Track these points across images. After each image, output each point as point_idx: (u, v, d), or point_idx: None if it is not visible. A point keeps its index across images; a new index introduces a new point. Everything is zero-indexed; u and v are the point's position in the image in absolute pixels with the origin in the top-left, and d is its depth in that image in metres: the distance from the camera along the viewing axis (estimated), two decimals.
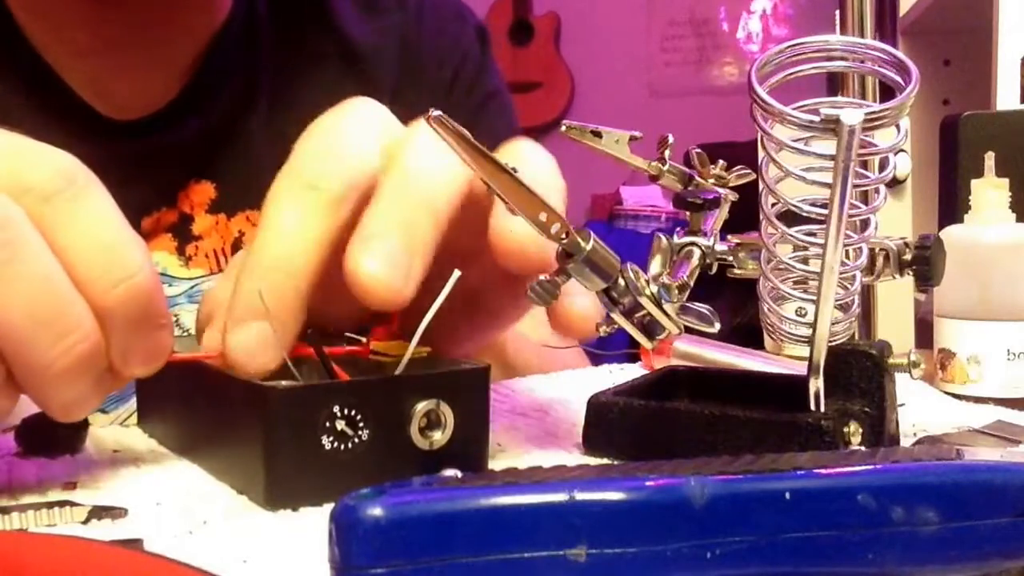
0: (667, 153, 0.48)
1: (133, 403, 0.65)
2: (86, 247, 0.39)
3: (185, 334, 0.66)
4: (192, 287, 0.69)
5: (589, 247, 0.40)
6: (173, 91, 0.75)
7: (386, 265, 0.41)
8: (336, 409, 0.41)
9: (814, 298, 0.45)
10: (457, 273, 0.44)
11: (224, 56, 0.77)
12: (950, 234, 0.68)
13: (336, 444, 0.41)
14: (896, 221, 0.78)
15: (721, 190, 0.50)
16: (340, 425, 0.41)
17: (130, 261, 0.40)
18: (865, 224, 0.47)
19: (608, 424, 0.50)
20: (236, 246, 0.73)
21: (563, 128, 0.46)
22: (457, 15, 0.92)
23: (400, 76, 0.84)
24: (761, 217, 0.47)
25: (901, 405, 0.52)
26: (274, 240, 0.43)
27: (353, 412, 0.41)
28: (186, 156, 0.74)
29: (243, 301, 0.43)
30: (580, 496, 0.29)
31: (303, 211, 0.43)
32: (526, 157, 0.46)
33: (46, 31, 0.72)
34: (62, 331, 0.39)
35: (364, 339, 0.47)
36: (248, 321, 0.42)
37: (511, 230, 0.42)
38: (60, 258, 0.39)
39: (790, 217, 0.46)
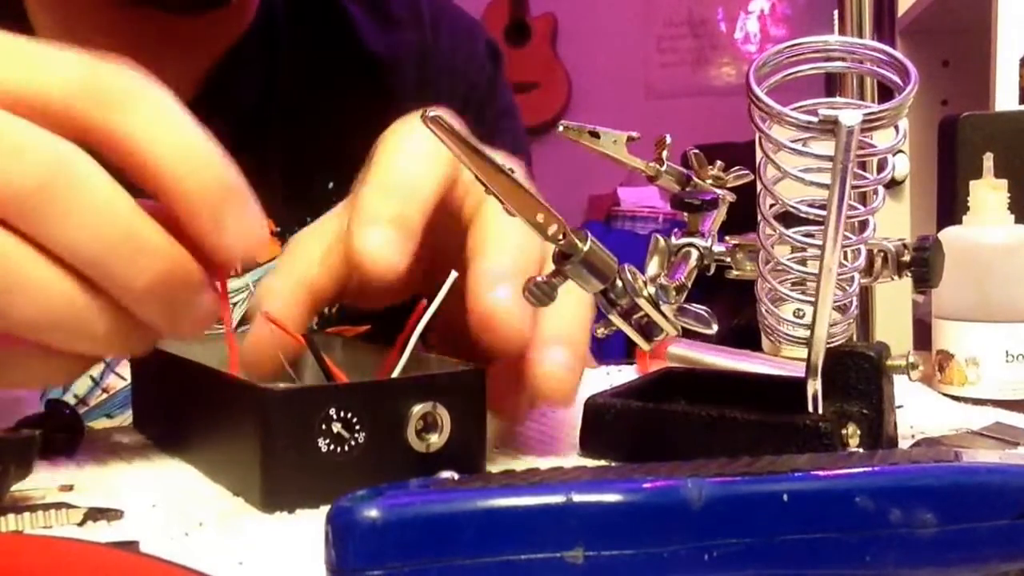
0: (665, 154, 0.48)
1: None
2: (159, 143, 0.41)
3: None
4: None
5: (586, 248, 0.40)
6: (188, 96, 0.75)
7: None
8: (332, 411, 0.41)
9: (812, 299, 0.44)
10: (454, 274, 0.44)
11: (241, 65, 0.77)
12: (948, 235, 0.68)
13: (332, 446, 0.41)
14: (894, 222, 0.78)
15: (719, 191, 0.50)
16: (336, 427, 0.41)
17: (201, 150, 0.42)
18: (863, 225, 0.47)
19: (605, 426, 0.50)
20: None
21: (560, 128, 0.45)
22: (470, 32, 0.93)
23: (416, 89, 0.85)
24: (759, 218, 0.46)
25: (899, 407, 0.52)
26: (401, 167, 0.48)
27: (349, 415, 0.41)
28: None
29: (367, 209, 0.46)
30: (577, 498, 0.29)
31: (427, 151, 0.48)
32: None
33: (62, 37, 0.72)
34: (133, 253, 0.40)
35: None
36: (373, 225, 0.45)
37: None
38: (133, 158, 0.41)
39: (788, 218, 0.45)
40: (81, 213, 0.39)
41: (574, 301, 0.47)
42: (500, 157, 0.51)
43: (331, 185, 0.79)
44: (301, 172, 0.78)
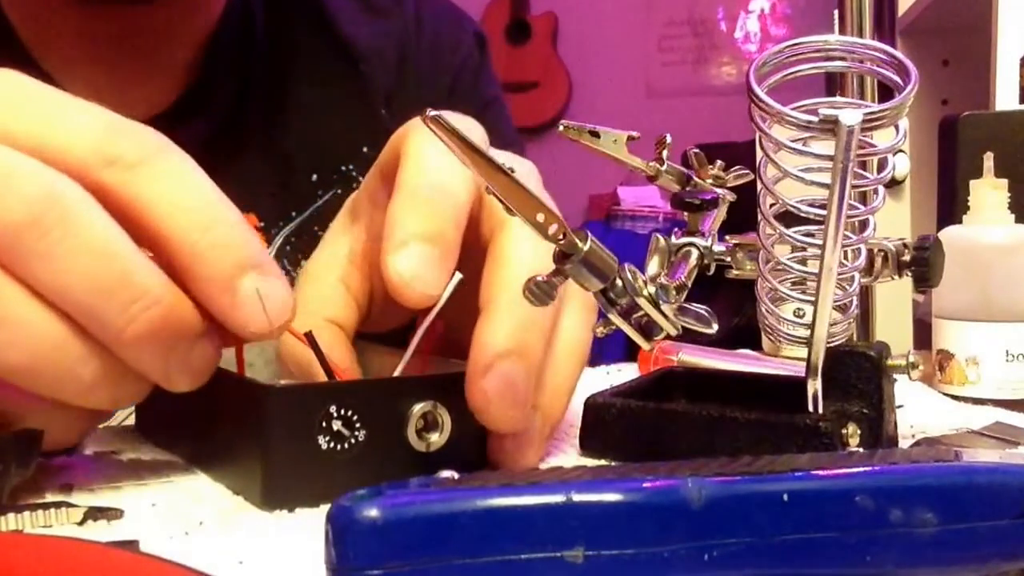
0: (665, 153, 0.48)
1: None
2: (172, 203, 0.39)
3: None
4: None
5: (586, 248, 0.40)
6: (171, 96, 0.75)
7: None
8: (332, 409, 0.41)
9: (812, 299, 0.44)
10: (458, 276, 0.44)
11: (219, 59, 0.77)
12: (949, 235, 0.68)
13: (332, 444, 0.41)
14: (895, 222, 0.78)
15: (719, 190, 0.50)
16: (336, 425, 0.41)
17: (217, 211, 0.40)
18: (864, 225, 0.47)
19: (605, 425, 0.50)
20: None
21: (561, 128, 0.45)
22: (455, 21, 0.91)
23: (397, 80, 0.84)
24: (759, 218, 0.46)
25: (899, 406, 0.52)
26: (431, 173, 0.45)
27: (349, 413, 0.41)
28: None
29: (399, 227, 0.44)
30: (577, 497, 0.29)
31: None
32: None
33: (40, 41, 0.72)
34: (126, 299, 0.38)
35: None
36: (407, 245, 0.43)
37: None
38: (145, 219, 0.39)
39: (788, 218, 0.45)
40: (72, 253, 0.37)
41: (568, 371, 0.47)
42: (507, 156, 0.51)
43: (315, 178, 0.79)
44: (284, 166, 0.78)
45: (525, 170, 0.50)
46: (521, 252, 0.45)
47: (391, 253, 0.43)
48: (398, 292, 0.43)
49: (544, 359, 0.45)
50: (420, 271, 0.43)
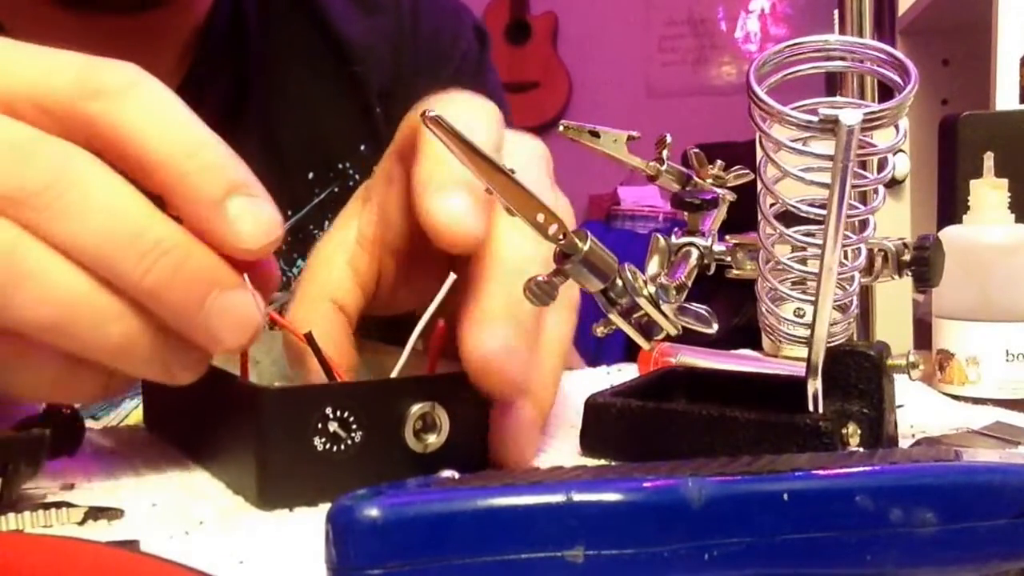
0: (665, 153, 0.48)
1: (123, 409, 0.65)
2: (158, 129, 0.40)
3: None
4: None
5: (586, 248, 0.40)
6: None
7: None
8: (328, 411, 0.41)
9: (812, 299, 0.44)
10: (453, 276, 0.44)
11: (211, 58, 0.77)
12: (949, 235, 0.68)
13: (329, 446, 0.41)
14: (895, 221, 0.78)
15: (719, 190, 0.50)
16: (333, 427, 0.41)
17: (202, 135, 0.41)
18: (864, 224, 0.47)
19: (606, 425, 0.49)
20: None
21: (561, 128, 0.45)
22: (454, 14, 0.91)
23: (393, 77, 0.84)
24: (759, 217, 0.46)
25: (900, 406, 0.52)
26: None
27: (346, 414, 0.41)
28: None
29: (434, 177, 0.44)
30: (578, 497, 0.29)
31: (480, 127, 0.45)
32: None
33: (30, 40, 0.72)
34: (141, 249, 0.39)
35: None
36: (447, 190, 0.43)
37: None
38: (133, 147, 0.40)
39: (788, 217, 0.45)
40: (89, 211, 0.39)
41: (554, 354, 0.47)
42: (518, 135, 0.51)
43: (311, 176, 0.78)
44: (279, 164, 0.77)
45: (537, 153, 0.52)
46: (508, 249, 0.45)
47: (428, 198, 0.43)
48: (440, 236, 0.43)
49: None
50: (464, 212, 0.43)
